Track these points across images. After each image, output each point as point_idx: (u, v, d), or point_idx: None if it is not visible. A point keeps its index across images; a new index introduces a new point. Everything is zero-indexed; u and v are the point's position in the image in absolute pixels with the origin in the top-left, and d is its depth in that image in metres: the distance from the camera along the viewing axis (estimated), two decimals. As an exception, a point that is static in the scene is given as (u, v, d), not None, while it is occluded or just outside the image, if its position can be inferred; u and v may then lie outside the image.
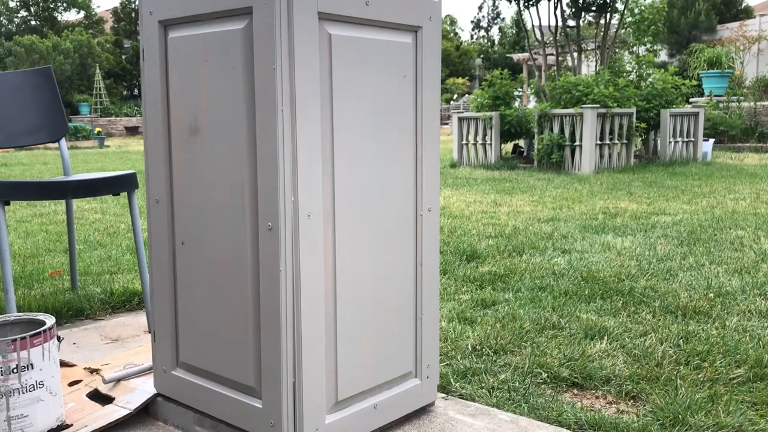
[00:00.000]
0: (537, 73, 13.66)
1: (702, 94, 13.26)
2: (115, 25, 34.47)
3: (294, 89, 1.36)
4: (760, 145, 11.09)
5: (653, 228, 4.36)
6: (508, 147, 10.49)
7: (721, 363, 2.07)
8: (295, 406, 1.45)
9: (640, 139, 9.72)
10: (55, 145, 2.86)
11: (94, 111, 24.16)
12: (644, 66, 9.99)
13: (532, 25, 11.84)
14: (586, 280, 3.06)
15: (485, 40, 46.46)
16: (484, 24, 50.31)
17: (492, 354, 2.18)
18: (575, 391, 1.94)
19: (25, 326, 1.66)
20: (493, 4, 49.07)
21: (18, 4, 33.11)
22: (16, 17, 33.48)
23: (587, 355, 2.14)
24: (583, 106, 8.30)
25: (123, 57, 30.78)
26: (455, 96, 29.39)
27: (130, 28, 33.13)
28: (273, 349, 1.43)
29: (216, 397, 1.57)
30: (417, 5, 1.59)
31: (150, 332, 2.37)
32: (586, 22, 12.90)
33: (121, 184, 2.38)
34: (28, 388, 1.56)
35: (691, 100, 12.15)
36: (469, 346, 2.24)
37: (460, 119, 9.74)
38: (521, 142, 10.33)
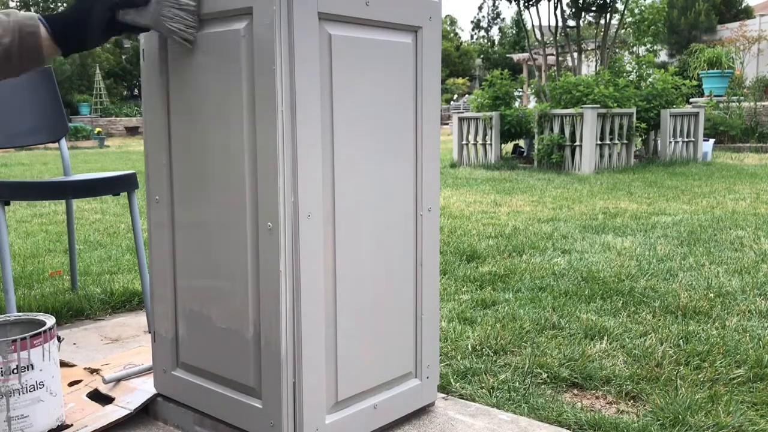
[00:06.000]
0: (537, 74, 13.65)
1: (702, 95, 13.26)
2: (115, 25, 34.42)
3: (294, 89, 1.36)
4: (760, 145, 11.09)
5: (653, 228, 4.36)
6: (508, 147, 10.49)
7: (721, 363, 2.07)
8: (295, 406, 1.45)
9: (640, 139, 9.72)
10: (55, 145, 2.86)
11: (94, 111, 24.15)
12: (644, 66, 9.99)
13: (532, 25, 11.84)
14: (586, 280, 3.06)
15: (485, 40, 46.47)
16: (484, 24, 50.32)
17: (492, 354, 2.18)
18: (575, 391, 1.94)
19: (25, 326, 1.66)
20: (493, 4, 49.10)
21: (18, 4, 33.12)
22: (16, 17, 33.45)
23: (587, 355, 2.14)
24: (583, 106, 8.30)
25: (123, 57, 30.77)
26: (455, 96, 29.39)
27: (130, 28, 33.07)
28: (273, 350, 1.43)
29: (216, 397, 1.57)
30: (417, 5, 1.59)
31: (150, 332, 2.38)
32: (586, 22, 12.90)
33: (121, 184, 2.38)
34: (28, 389, 1.56)
35: (691, 100, 12.15)
36: (469, 346, 2.24)
37: (460, 119, 9.74)
38: (521, 142, 10.33)
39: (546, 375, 2.01)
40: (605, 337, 2.30)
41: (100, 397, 1.78)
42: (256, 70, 1.38)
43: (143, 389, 1.77)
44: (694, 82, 10.81)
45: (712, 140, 9.88)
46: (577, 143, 8.37)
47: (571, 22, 11.12)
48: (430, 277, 1.70)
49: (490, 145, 9.39)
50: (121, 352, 2.17)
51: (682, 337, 2.30)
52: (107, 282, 3.03)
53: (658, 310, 2.62)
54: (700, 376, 1.98)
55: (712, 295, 2.80)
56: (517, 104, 10.19)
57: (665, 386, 1.92)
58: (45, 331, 1.59)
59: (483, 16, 58.58)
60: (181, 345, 1.65)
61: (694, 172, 7.92)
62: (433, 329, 1.73)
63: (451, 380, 1.97)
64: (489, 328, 2.41)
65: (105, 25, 1.37)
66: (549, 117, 8.66)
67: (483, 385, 1.95)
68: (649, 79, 9.87)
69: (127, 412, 1.68)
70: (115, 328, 2.50)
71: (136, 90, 30.43)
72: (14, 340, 1.53)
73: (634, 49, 12.18)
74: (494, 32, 49.26)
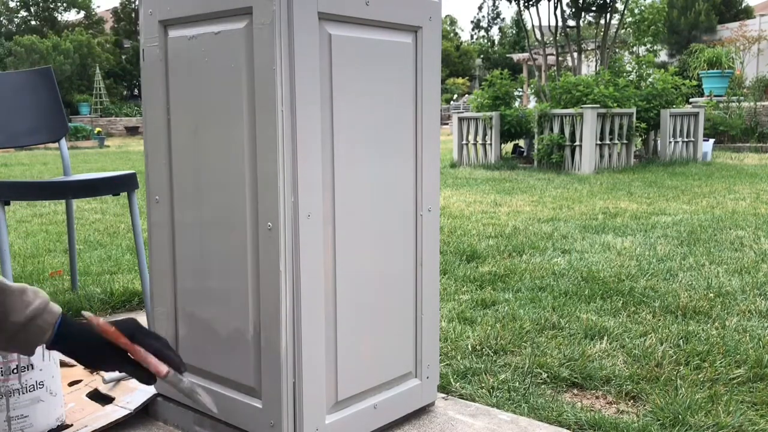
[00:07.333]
0: (537, 73, 13.66)
1: (702, 94, 13.26)
2: (115, 25, 34.48)
3: (294, 89, 1.36)
4: (760, 145, 11.09)
5: (653, 228, 4.36)
6: (508, 147, 10.49)
7: (721, 363, 2.07)
8: (295, 406, 1.45)
9: (640, 139, 9.72)
10: (55, 145, 2.86)
11: (94, 111, 24.15)
12: (644, 66, 9.99)
13: (532, 25, 11.84)
14: (586, 280, 3.06)
15: (485, 40, 46.45)
16: (484, 24, 50.28)
17: (492, 354, 2.18)
18: (575, 391, 1.94)
19: (25, 326, 1.66)
20: (493, 4, 49.08)
21: (18, 4, 33.12)
22: (16, 17, 33.49)
23: (587, 355, 2.14)
24: (583, 106, 8.30)
25: (123, 57, 30.77)
26: (455, 96, 29.38)
27: (130, 28, 33.13)
28: (273, 349, 1.43)
29: (216, 397, 1.57)
30: (417, 5, 1.59)
31: (150, 332, 2.37)
32: (586, 22, 12.90)
33: (121, 184, 2.38)
34: (28, 389, 1.56)
35: (691, 100, 12.14)
36: (469, 346, 2.24)
37: (460, 119, 9.73)
38: (521, 142, 10.33)
39: (546, 375, 2.00)
40: (605, 337, 2.30)
41: (100, 397, 1.78)
42: (256, 70, 1.38)
43: (143, 389, 1.77)
44: (694, 82, 10.81)
45: (712, 140, 9.87)
46: (577, 143, 8.36)
47: (571, 22, 11.13)
48: (430, 277, 1.70)
49: (490, 145, 9.38)
50: (121, 352, 2.17)
51: (682, 337, 2.30)
52: (107, 282, 3.03)
53: (658, 310, 2.62)
54: (700, 376, 1.98)
55: (712, 295, 2.80)
56: (517, 104, 10.19)
57: (665, 386, 1.92)
58: (45, 331, 1.59)
59: (483, 16, 58.61)
60: (181, 345, 1.65)
61: (694, 172, 7.92)
62: (433, 329, 1.73)
63: (451, 380, 1.96)
64: (489, 328, 2.41)
65: None
66: (549, 117, 8.66)
67: (483, 385, 1.95)
68: (649, 79, 9.87)
69: (127, 411, 1.68)
70: (115, 328, 2.50)
71: (136, 90, 30.44)
72: (14, 340, 1.53)
73: (634, 49, 12.18)
74: (494, 32, 49.28)
